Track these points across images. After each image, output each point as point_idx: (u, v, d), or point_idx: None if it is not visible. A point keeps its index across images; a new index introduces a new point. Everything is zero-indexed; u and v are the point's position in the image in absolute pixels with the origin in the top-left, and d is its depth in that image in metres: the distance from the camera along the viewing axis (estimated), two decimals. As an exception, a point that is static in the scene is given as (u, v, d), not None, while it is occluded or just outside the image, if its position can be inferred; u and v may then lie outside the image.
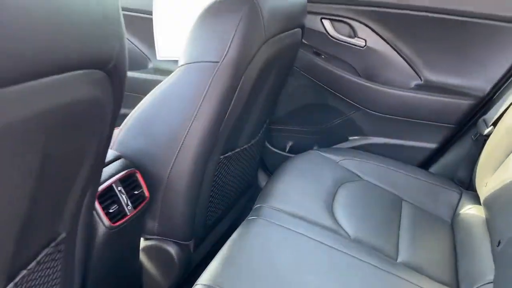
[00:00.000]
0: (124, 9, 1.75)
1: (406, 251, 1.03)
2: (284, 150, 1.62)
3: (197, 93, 0.93)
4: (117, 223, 0.88)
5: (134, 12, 1.70)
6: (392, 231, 1.10)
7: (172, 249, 1.08)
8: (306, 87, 1.51)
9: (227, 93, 0.94)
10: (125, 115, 1.80)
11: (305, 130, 1.59)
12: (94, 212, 0.85)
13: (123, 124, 1.03)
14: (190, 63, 0.94)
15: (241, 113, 1.05)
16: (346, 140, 1.52)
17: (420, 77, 1.41)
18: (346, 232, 1.03)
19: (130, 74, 1.70)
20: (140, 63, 1.75)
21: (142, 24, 1.68)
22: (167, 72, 1.68)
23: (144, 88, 1.72)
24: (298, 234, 0.94)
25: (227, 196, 1.23)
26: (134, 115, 1.01)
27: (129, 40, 1.74)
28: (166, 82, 0.98)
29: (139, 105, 1.01)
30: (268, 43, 0.99)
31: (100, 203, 0.86)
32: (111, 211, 0.88)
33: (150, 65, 1.74)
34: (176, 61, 1.67)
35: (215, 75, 0.91)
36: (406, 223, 1.15)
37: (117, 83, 0.59)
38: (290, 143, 1.62)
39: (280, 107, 1.53)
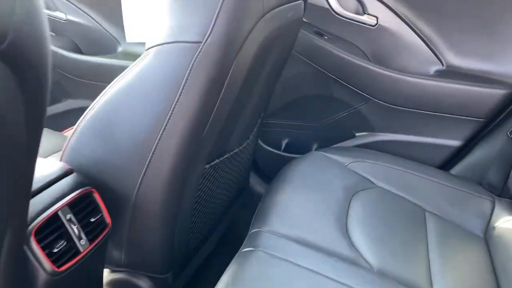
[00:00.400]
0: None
1: (440, 283, 0.82)
2: (279, 149, 1.38)
3: (173, 84, 0.69)
4: (65, 266, 0.64)
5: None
6: (420, 255, 0.88)
7: (144, 284, 0.84)
8: (306, 74, 1.28)
9: (213, 83, 0.70)
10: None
11: (304, 125, 1.35)
12: (30, 254, 0.61)
13: (76, 125, 0.78)
14: (163, 43, 0.69)
15: (232, 109, 0.82)
16: (353, 137, 1.30)
17: (442, 62, 1.18)
18: (368, 262, 0.81)
19: (96, 59, 1.45)
20: (107, 47, 1.49)
21: (110, 2, 1.41)
22: (138, 57, 1.43)
23: (112, 76, 1.46)
24: (309, 271, 0.71)
25: (214, 212, 0.99)
26: (90, 114, 0.76)
27: (95, 20, 1.48)
28: (131, 70, 0.73)
29: (96, 100, 0.77)
30: (266, 18, 0.75)
31: (39, 241, 0.61)
32: (55, 250, 0.63)
33: (119, 49, 1.48)
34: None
35: (196, 60, 0.67)
36: (434, 241, 0.94)
37: (29, 77, 0.35)
38: (286, 141, 1.39)
39: (274, 98, 1.29)
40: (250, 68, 0.80)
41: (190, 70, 0.67)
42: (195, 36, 0.66)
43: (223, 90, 0.73)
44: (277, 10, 0.79)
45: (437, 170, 1.17)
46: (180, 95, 0.69)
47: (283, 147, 1.39)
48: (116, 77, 1.45)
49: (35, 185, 0.67)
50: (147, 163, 0.74)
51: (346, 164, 1.10)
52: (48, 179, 0.69)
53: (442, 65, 1.19)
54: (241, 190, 1.22)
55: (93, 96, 1.55)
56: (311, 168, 1.05)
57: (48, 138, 1.27)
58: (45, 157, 1.16)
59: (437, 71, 1.19)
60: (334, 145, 1.31)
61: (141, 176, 0.75)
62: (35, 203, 0.64)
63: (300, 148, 1.36)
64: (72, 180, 0.72)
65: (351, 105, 1.26)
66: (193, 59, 0.67)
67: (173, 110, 0.70)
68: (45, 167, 0.73)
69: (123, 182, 0.75)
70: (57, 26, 1.51)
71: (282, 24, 0.84)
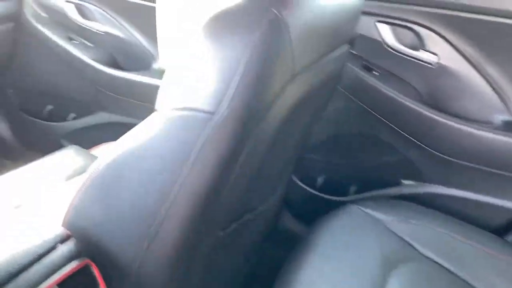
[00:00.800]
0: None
1: None
2: (313, 187, 1.27)
3: (181, 156, 0.59)
4: None
5: (139, -1, 1.35)
6: None
7: None
8: (349, 111, 1.15)
9: (228, 156, 0.60)
10: (121, 123, 1.50)
11: (343, 164, 1.23)
12: None
13: (81, 184, 0.71)
14: (172, 108, 0.60)
15: (255, 171, 0.72)
16: (398, 184, 1.16)
17: (511, 111, 1.01)
18: None
19: (129, 76, 1.39)
20: (144, 62, 1.42)
21: (148, 17, 1.33)
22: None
23: (144, 94, 1.39)
24: None
25: (231, 274, 0.90)
26: (96, 173, 0.68)
27: (131, 33, 1.41)
28: (139, 130, 0.64)
29: (103, 157, 0.69)
30: (299, 78, 0.64)
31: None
32: None
33: (155, 65, 1.41)
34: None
35: (208, 133, 0.57)
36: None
37: None
38: (322, 179, 1.27)
39: (313, 133, 1.17)
40: (279, 131, 0.69)
41: (201, 143, 0.57)
42: (208, 106, 0.56)
43: (241, 161, 0.63)
44: (313, 66, 0.67)
45: (493, 238, 1.01)
46: (188, 168, 0.59)
47: (318, 185, 1.27)
48: (149, 95, 1.38)
49: (22, 260, 0.60)
50: (151, 234, 0.65)
51: (387, 224, 0.96)
52: (39, 251, 0.62)
53: (511, 114, 1.02)
54: (267, 237, 1.12)
55: (125, 111, 1.50)
56: (345, 229, 0.93)
57: (75, 156, 1.22)
58: (69, 179, 1.12)
59: (503, 122, 1.02)
60: (376, 192, 1.17)
61: (144, 247, 0.66)
62: (18, 285, 0.58)
63: (337, 189, 1.23)
64: (67, 250, 0.64)
65: (399, 150, 1.12)
66: (205, 132, 0.57)
67: (182, 182, 0.61)
68: (41, 233, 0.67)
69: (123, 252, 0.68)
70: (95, 38, 1.46)
71: (320, 79, 0.72)
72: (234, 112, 0.56)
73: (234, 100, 0.56)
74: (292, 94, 0.64)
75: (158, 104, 0.62)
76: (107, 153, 0.68)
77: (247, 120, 0.58)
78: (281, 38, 0.56)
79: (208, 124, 0.56)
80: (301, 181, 1.27)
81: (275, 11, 0.55)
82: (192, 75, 0.59)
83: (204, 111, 0.56)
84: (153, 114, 0.63)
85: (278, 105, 0.62)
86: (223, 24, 0.58)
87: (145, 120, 0.63)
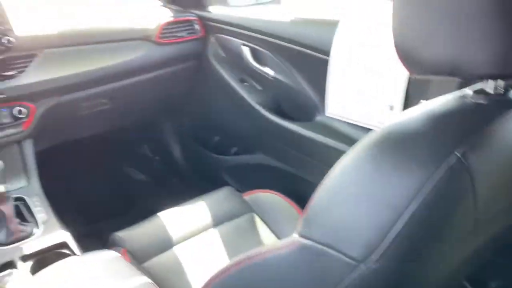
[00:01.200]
0: (300, 44, 1.36)
1: None
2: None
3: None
4: None
5: (310, 50, 1.31)
6: None
7: None
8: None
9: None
10: (277, 169, 1.48)
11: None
12: None
13: (216, 275, 0.68)
14: (314, 240, 0.52)
15: None
16: None
17: None
18: None
19: (290, 125, 1.37)
20: (307, 112, 1.38)
21: (318, 67, 1.28)
22: (333, 133, 1.27)
23: (304, 145, 1.33)
24: None
25: None
26: (227, 272, 0.65)
27: (299, 81, 1.38)
28: (274, 250, 0.58)
29: (237, 260, 0.65)
30: (481, 227, 0.50)
31: None
32: None
33: (318, 117, 1.35)
34: (348, 123, 1.24)
35: (349, 283, 0.47)
36: None
37: None
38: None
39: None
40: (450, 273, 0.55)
41: (339, 290, 0.48)
42: (356, 252, 0.47)
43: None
44: (503, 211, 0.52)
45: None
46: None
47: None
48: (307, 148, 1.32)
49: None
50: None
51: None
52: None
53: None
54: None
55: (282, 158, 1.48)
56: None
57: (228, 200, 1.26)
58: (217, 225, 1.15)
59: None
60: None
61: None
62: None
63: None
64: None
65: None
66: (346, 281, 0.48)
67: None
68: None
69: None
70: (264, 82, 1.48)
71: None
72: (385, 267, 0.45)
73: (388, 253, 0.45)
74: (468, 244, 0.50)
75: (301, 227, 0.55)
76: (236, 259, 0.64)
77: (400, 277, 0.47)
78: (461, 187, 0.44)
79: (352, 272, 0.47)
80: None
81: (459, 155, 0.43)
82: (344, 206, 0.50)
83: (350, 257, 0.47)
84: (292, 237, 0.56)
85: (447, 255, 0.49)
86: (391, 151, 0.48)
87: (282, 241, 0.56)
